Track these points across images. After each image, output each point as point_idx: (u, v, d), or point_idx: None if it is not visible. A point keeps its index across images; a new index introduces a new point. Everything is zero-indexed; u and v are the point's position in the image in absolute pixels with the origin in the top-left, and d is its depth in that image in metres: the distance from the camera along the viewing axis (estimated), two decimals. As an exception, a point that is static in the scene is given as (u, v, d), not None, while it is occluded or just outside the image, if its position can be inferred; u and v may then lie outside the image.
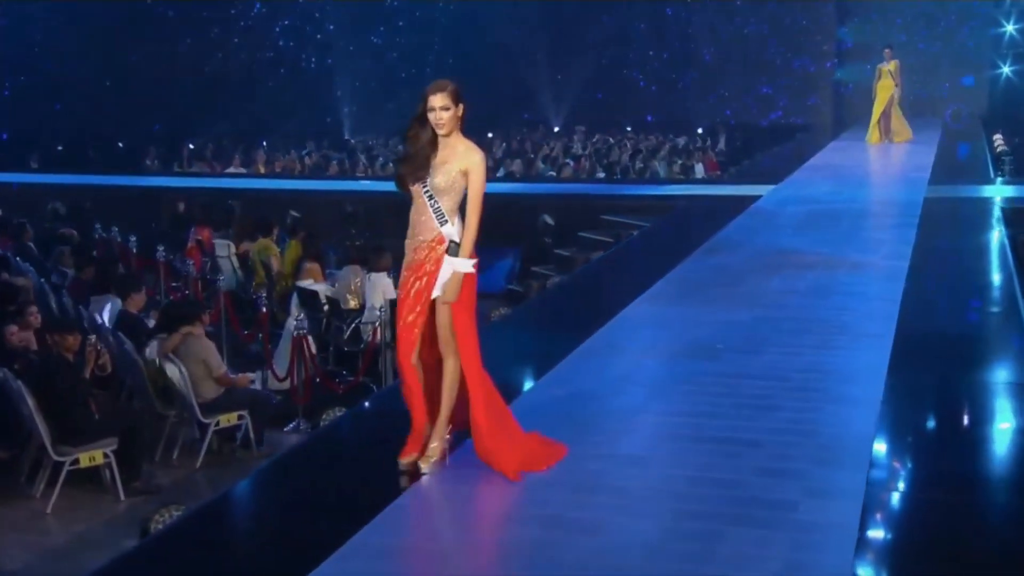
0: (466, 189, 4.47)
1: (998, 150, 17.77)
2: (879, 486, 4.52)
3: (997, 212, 11.43)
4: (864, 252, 9.55)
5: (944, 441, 5.28)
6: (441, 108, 4.44)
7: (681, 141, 21.50)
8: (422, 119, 4.48)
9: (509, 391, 6.07)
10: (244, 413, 8.06)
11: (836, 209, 12.12)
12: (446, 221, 4.49)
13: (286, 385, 9.01)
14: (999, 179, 14.66)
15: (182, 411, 8.03)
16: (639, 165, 17.98)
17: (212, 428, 7.90)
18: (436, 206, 4.48)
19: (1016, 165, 16.57)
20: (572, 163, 18.09)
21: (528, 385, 6.07)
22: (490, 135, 25.50)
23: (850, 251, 9.65)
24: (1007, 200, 12.13)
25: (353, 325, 9.51)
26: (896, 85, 17.87)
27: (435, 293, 4.50)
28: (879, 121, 18.16)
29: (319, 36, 27.39)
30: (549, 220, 13.40)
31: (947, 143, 18.72)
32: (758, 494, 4.40)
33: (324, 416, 7.09)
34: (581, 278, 9.61)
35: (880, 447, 4.97)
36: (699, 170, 18.13)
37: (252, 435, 8.06)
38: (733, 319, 7.28)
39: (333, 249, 12.42)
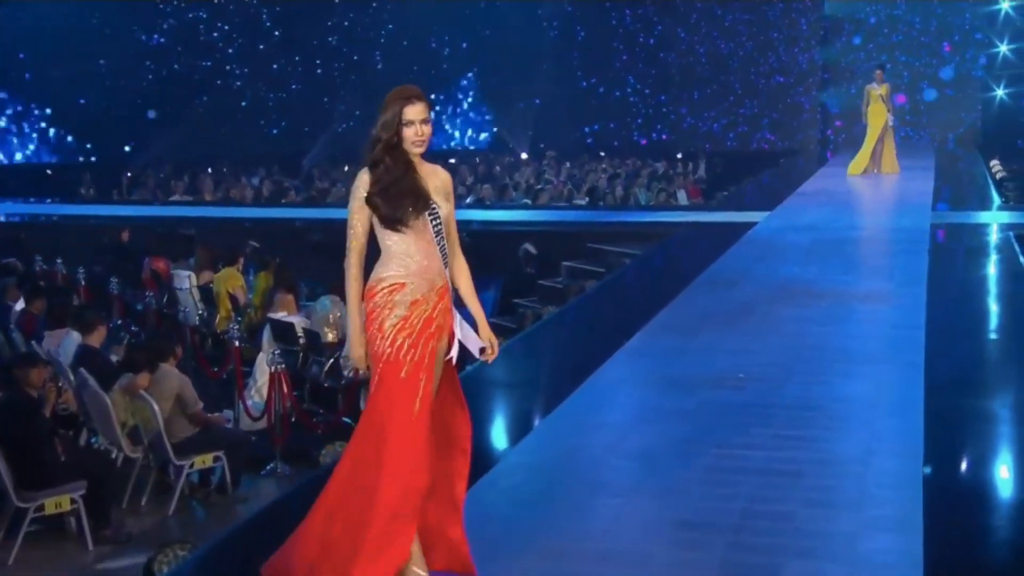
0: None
1: (998, 176, 18.24)
2: (937, 517, 4.62)
3: (1009, 238, 11.72)
4: (877, 280, 9.75)
5: (996, 469, 5.41)
6: (422, 121, 3.84)
7: (660, 167, 21.79)
8: (393, 136, 3.85)
9: (527, 426, 6.15)
10: (220, 454, 8.01)
11: (839, 237, 12.36)
12: (447, 263, 3.95)
13: (261, 425, 8.98)
14: (1003, 205, 15.04)
15: (152, 452, 7.96)
16: (619, 191, 18.19)
17: (186, 470, 7.84)
18: (442, 244, 3.91)
19: (1020, 191, 17.02)
20: (553, 182, 18.28)
21: (546, 423, 6.12)
22: (452, 160, 25.73)
23: (862, 279, 9.85)
24: (1018, 227, 12.44)
25: (332, 360, 9.49)
26: (888, 111, 17.45)
27: (452, 353, 3.90)
28: (872, 151, 17.67)
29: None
30: (531, 249, 13.49)
31: (944, 168, 19.17)
32: (813, 526, 4.49)
33: (324, 453, 7.08)
34: (578, 309, 9.71)
35: (929, 476, 5.09)
36: (682, 197, 18.39)
37: (228, 478, 8.01)
38: (750, 348, 7.41)
39: (302, 280, 12.41)
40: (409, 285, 3.85)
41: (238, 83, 27.08)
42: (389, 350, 3.79)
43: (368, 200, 3.82)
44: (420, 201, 3.84)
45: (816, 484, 5.03)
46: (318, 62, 27.61)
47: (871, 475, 5.09)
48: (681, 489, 4.93)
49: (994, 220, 13.51)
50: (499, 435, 6.16)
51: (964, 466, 5.43)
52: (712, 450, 5.46)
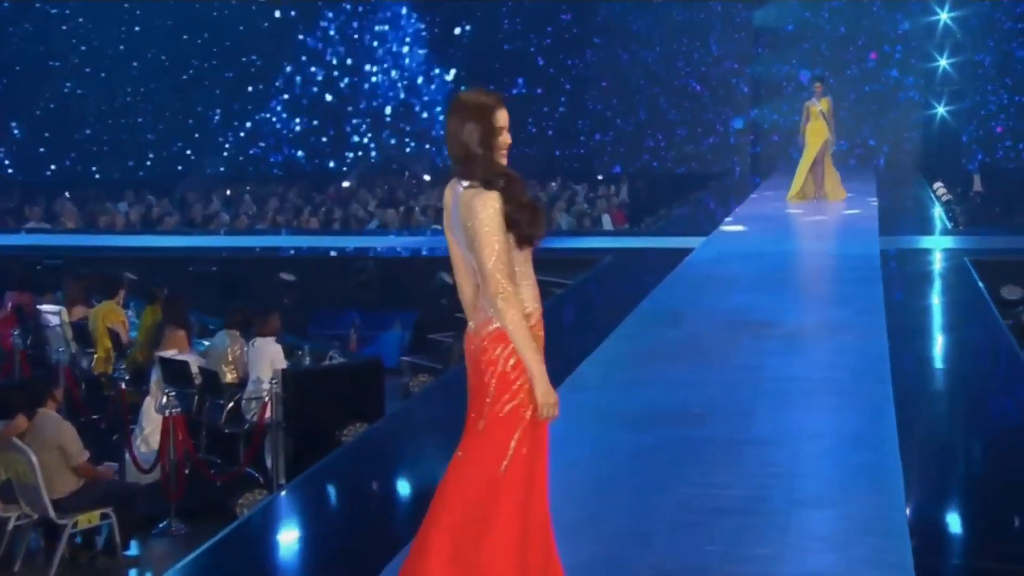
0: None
1: (943, 199, 18.89)
2: (926, 555, 4.79)
3: (964, 264, 12.14)
4: (833, 309, 10.03)
5: (979, 504, 5.60)
6: (507, 128, 3.83)
7: (581, 190, 22.07)
8: (489, 148, 3.80)
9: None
10: (108, 511, 7.83)
11: (785, 264, 12.67)
12: None
13: (152, 477, 8.82)
14: (953, 229, 15.59)
15: (26, 511, 7.74)
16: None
17: (69, 530, 7.64)
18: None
19: (969, 214, 17.66)
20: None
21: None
22: (345, 184, 25.71)
23: (816, 309, 10.11)
24: (973, 252, 12.91)
25: (232, 402, 9.38)
26: (830, 130, 17.44)
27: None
28: (810, 173, 17.63)
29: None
30: (447, 278, 13.50)
31: (886, 192, 19.78)
32: (803, 567, 4.59)
33: (241, 503, 6.98)
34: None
35: (913, 513, 5.26)
36: (606, 221, 18.64)
37: (117, 538, 7.83)
38: (708, 382, 7.55)
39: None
40: (534, 314, 3.91)
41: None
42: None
43: (512, 220, 3.74)
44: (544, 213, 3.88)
45: (797, 524, 5.15)
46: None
47: (853, 514, 5.23)
48: (652, 532, 4.99)
49: (945, 245, 13.99)
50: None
51: (947, 502, 5.61)
52: (681, 489, 5.54)
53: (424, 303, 13.90)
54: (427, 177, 26.69)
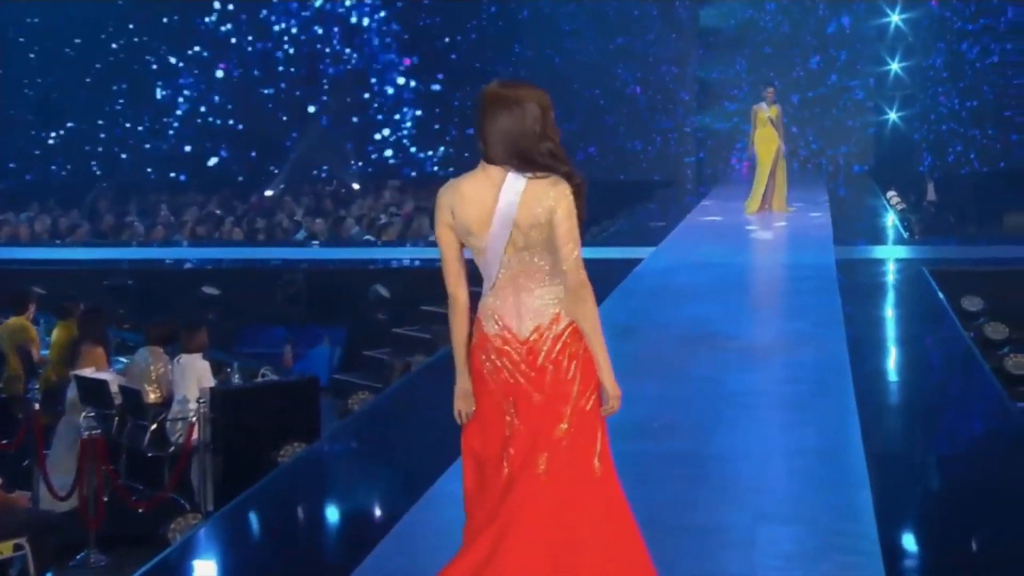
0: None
1: (897, 208, 19.23)
2: (897, 570, 4.91)
3: (922, 273, 12.38)
4: (791, 321, 10.18)
5: (947, 518, 5.73)
6: None
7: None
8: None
9: (416, 490, 6.16)
10: (22, 542, 7.70)
11: (739, 275, 12.82)
12: None
13: (69, 505, 8.69)
14: (909, 239, 15.88)
15: (-66, 543, 7.59)
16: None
17: (-20, 563, 7.51)
18: None
19: (924, 223, 17.98)
20: (400, 215, 18.39)
21: (439, 487, 6.16)
22: (268, 192, 25.57)
23: (774, 321, 10.26)
24: (931, 261, 13.17)
25: (156, 423, 9.28)
26: (780, 137, 17.45)
27: None
28: (766, 183, 17.55)
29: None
30: (383, 291, 13.52)
31: (839, 201, 20.09)
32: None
33: (173, 527, 6.91)
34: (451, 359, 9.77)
35: (882, 527, 5.36)
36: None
37: (32, 571, 7.70)
38: (668, 396, 7.63)
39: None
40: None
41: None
42: None
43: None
44: None
45: (764, 541, 5.21)
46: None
47: (821, 529, 5.33)
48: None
49: (902, 255, 14.25)
50: (386, 503, 6.15)
51: (916, 516, 5.73)
52: (643, 508, 5.56)
53: (357, 318, 13.86)
54: (356, 186, 26.61)
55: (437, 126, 27.26)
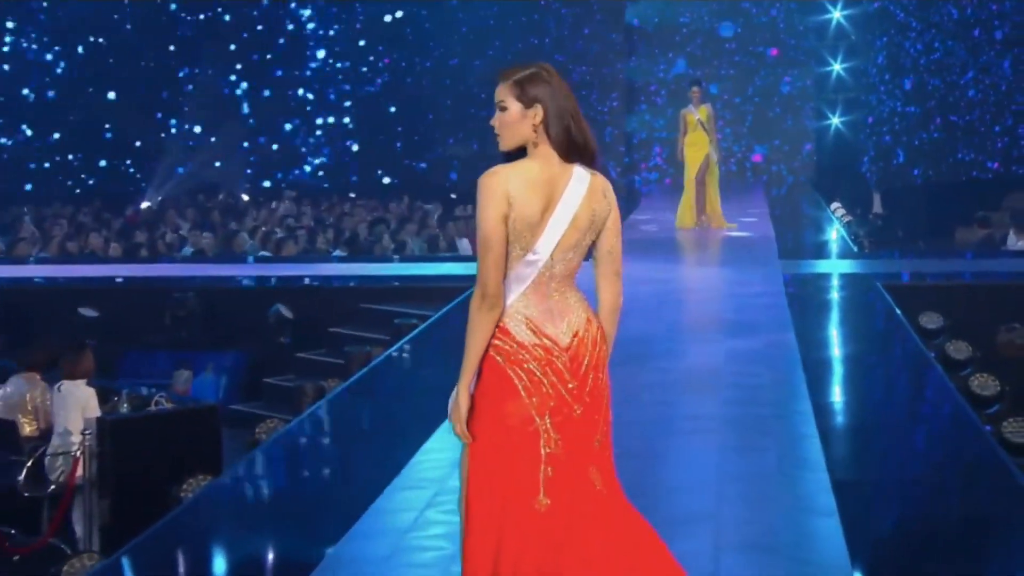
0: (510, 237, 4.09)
1: (844, 220, 19.60)
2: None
3: (877, 289, 12.65)
4: (739, 339, 10.33)
5: (919, 542, 5.91)
6: (497, 107, 4.14)
7: (433, 210, 22.22)
8: None
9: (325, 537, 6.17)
10: None
11: (681, 290, 13.04)
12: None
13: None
14: (859, 252, 16.20)
15: None
16: (387, 240, 18.42)
17: None
18: None
19: (873, 237, 18.35)
20: (299, 228, 18.36)
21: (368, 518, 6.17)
22: (145, 204, 25.31)
23: (722, 339, 10.40)
24: (884, 276, 13.46)
25: (33, 459, 9.16)
26: (711, 143, 17.25)
27: None
28: (695, 194, 17.28)
29: None
30: (285, 312, 13.48)
31: (781, 212, 20.44)
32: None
33: (65, 570, 6.81)
34: (374, 380, 9.81)
35: (857, 557, 5.51)
36: (465, 246, 18.80)
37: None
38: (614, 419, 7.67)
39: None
40: None
41: None
42: None
43: None
44: None
45: (727, 572, 5.31)
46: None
47: (790, 558, 5.44)
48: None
49: (853, 269, 14.55)
50: (306, 539, 6.15)
51: (892, 545, 5.88)
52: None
53: (257, 342, 13.80)
54: (245, 197, 26.45)
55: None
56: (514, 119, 4.09)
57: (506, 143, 4.12)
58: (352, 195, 25.58)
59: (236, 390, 13.46)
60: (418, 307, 13.04)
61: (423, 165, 27.38)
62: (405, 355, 10.77)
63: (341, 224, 20.38)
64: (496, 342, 4.04)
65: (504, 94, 4.11)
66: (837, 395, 8.86)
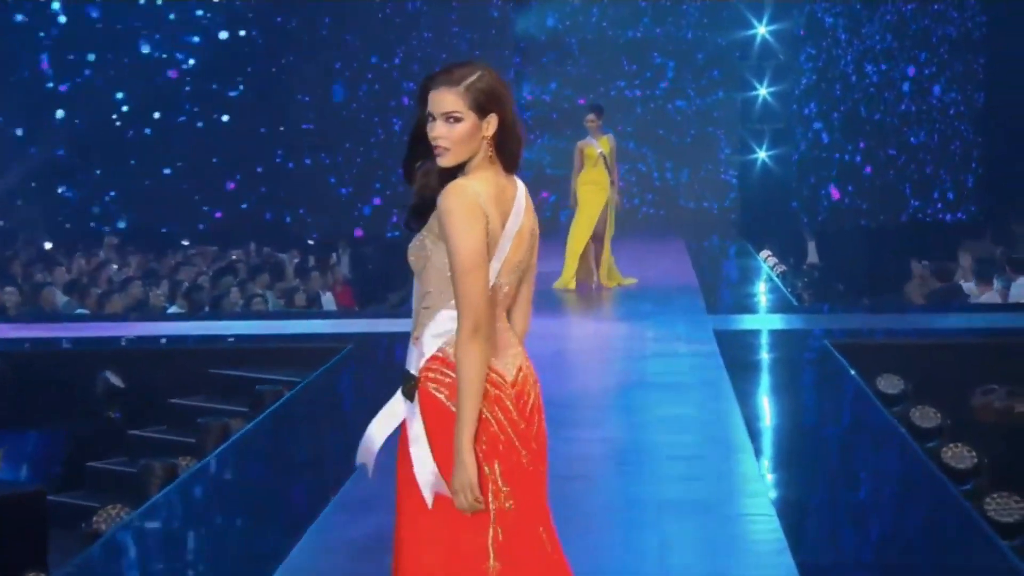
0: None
1: (777, 271, 19.91)
2: None
3: (825, 347, 12.85)
4: (668, 404, 10.42)
5: None
6: (445, 118, 4.23)
7: (288, 260, 22.12)
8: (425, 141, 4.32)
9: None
10: None
11: (586, 347, 13.15)
12: (420, 332, 4.27)
13: None
14: (800, 307, 16.47)
15: None
16: (235, 295, 18.27)
17: None
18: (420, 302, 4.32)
19: (814, 288, 18.67)
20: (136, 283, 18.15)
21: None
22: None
23: (650, 403, 10.49)
24: (832, 334, 13.67)
25: None
26: (612, 182, 16.63)
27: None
28: (586, 247, 16.46)
29: None
30: (115, 380, 13.27)
31: (704, 262, 20.70)
32: None
33: None
34: (240, 459, 9.79)
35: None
36: (328, 301, 18.74)
37: None
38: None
39: None
40: None
41: None
42: None
43: None
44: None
45: None
46: None
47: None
48: None
49: (794, 325, 14.77)
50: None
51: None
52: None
53: (77, 417, 13.52)
54: (48, 245, 26.08)
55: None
56: (470, 132, 4.22)
57: (454, 158, 4.22)
58: (185, 241, 25.39)
59: (50, 477, 13.12)
60: (280, 372, 12.95)
61: (268, 215, 27.29)
62: (279, 425, 10.73)
63: (177, 275, 20.13)
64: (436, 376, 4.16)
65: (455, 103, 4.20)
66: (792, 471, 8.94)
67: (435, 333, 4.19)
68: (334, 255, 23.42)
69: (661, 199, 27.73)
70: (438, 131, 4.19)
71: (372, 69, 27.06)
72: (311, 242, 25.49)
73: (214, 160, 27.03)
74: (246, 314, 17.00)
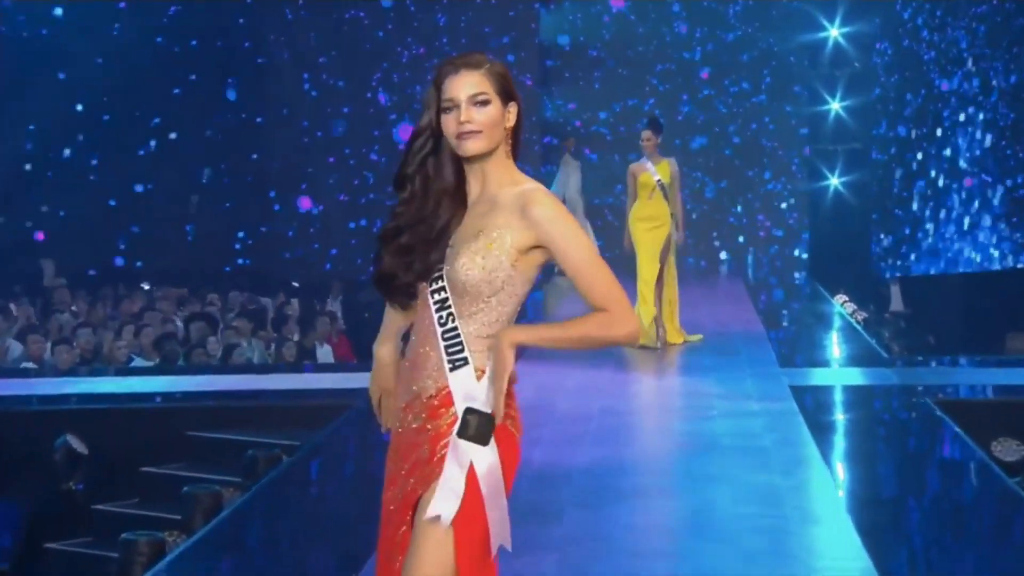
0: (531, 274, 4.74)
1: (858, 319, 19.92)
2: None
3: (927, 407, 12.83)
4: (746, 470, 10.41)
5: None
6: (471, 100, 4.65)
7: (270, 305, 22.20)
8: (431, 137, 4.76)
9: None
10: None
11: (645, 406, 13.22)
12: (462, 357, 4.69)
13: None
14: (891, 359, 16.45)
15: None
16: (214, 344, 18.32)
17: None
18: (448, 323, 4.71)
19: (905, 339, 18.64)
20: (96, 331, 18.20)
21: None
22: None
23: (727, 472, 10.45)
24: (934, 389, 13.65)
25: None
26: (674, 213, 16.02)
27: (429, 506, 4.62)
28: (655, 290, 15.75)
29: None
30: (76, 445, 13.28)
31: (769, 307, 20.69)
32: None
33: None
34: (242, 533, 9.81)
35: None
36: (326, 354, 18.77)
37: None
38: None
39: None
40: (403, 381, 4.87)
41: None
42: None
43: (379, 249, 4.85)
44: (431, 252, 4.73)
45: None
46: None
47: None
48: None
49: (887, 380, 14.74)
50: None
51: None
52: None
53: (33, 490, 13.54)
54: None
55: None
56: (499, 116, 4.67)
57: (488, 141, 4.66)
58: (146, 285, 25.42)
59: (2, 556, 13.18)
60: (274, 435, 12.97)
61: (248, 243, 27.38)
62: (282, 495, 10.77)
63: (141, 320, 20.17)
64: (509, 411, 4.66)
65: (482, 84, 4.65)
66: (900, 551, 8.91)
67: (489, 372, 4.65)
68: (328, 300, 23.52)
69: (714, 232, 27.68)
70: (466, 114, 4.59)
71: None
72: (296, 284, 25.51)
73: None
74: (227, 367, 17.05)
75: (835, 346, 17.86)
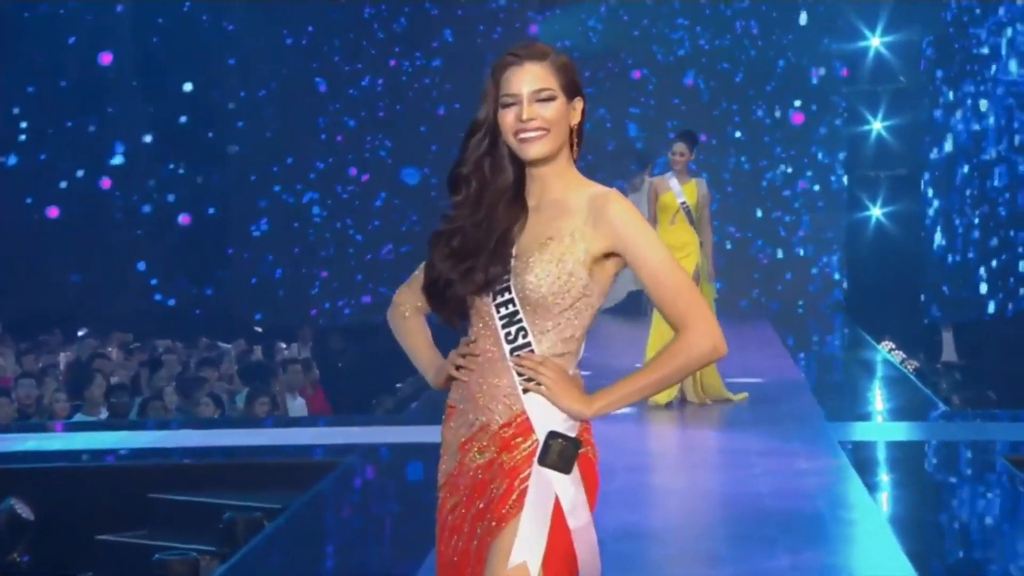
0: (606, 285, 4.87)
1: (909, 368, 19.98)
2: None
3: (1002, 466, 12.89)
4: (805, 540, 10.47)
5: None
6: (535, 96, 4.79)
7: (232, 352, 22.26)
8: (488, 134, 4.89)
9: None
10: None
11: (683, 463, 13.22)
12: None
13: None
14: (950, 412, 16.50)
15: None
16: (172, 396, 18.39)
17: None
18: (519, 340, 4.83)
19: (967, 390, 18.67)
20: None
21: None
22: None
23: (777, 542, 10.51)
24: (1006, 446, 13.70)
25: None
26: (704, 239, 15.90)
27: (513, 551, 4.68)
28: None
29: None
30: (22, 511, 13.30)
31: (808, 354, 20.76)
32: None
33: None
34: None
35: None
36: (299, 406, 18.81)
37: None
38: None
39: None
40: (458, 414, 4.92)
41: None
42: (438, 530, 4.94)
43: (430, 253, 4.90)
44: (493, 263, 4.78)
45: None
46: None
47: None
48: None
49: (953, 435, 14.78)
50: None
51: None
52: None
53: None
54: None
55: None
56: (565, 114, 4.82)
57: (554, 142, 4.80)
58: (81, 331, 25.46)
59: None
60: (249, 497, 12.98)
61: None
62: (269, 564, 10.84)
63: (91, 368, 20.20)
64: (587, 435, 4.85)
65: (546, 78, 4.77)
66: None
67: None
68: (294, 345, 23.55)
69: (739, 270, 27.69)
70: (529, 111, 4.72)
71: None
72: (258, 329, 25.56)
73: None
74: (191, 421, 17.09)
75: (887, 398, 17.89)
